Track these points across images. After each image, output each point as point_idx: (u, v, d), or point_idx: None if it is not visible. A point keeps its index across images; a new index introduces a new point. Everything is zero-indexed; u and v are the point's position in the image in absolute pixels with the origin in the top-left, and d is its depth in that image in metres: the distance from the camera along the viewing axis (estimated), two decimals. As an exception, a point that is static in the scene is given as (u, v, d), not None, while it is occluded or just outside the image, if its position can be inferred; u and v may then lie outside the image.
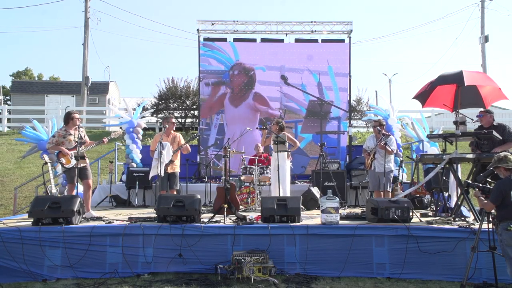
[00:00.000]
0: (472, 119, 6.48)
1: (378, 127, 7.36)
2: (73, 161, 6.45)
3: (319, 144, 9.13)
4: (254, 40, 10.65)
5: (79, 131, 6.62)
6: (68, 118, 6.68)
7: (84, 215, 6.04)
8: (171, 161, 7.34)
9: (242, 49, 10.61)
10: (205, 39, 10.63)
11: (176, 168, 7.56)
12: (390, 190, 7.31)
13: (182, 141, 7.63)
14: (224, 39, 10.66)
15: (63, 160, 6.51)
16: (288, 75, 10.51)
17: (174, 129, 7.74)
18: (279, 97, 10.51)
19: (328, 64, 10.48)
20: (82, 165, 6.58)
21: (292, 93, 10.51)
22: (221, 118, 10.46)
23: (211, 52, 10.58)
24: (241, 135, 8.40)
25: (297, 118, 10.54)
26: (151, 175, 7.20)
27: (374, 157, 7.35)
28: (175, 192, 7.48)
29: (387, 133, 7.51)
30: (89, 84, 20.72)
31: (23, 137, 9.86)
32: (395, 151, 7.51)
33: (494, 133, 5.88)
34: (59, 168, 7.87)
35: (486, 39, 21.48)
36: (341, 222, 5.48)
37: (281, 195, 6.75)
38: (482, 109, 6.50)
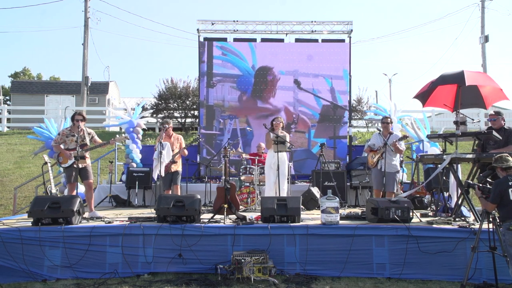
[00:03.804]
0: (472, 119, 6.46)
1: (389, 124, 7.19)
2: (70, 161, 6.49)
3: (320, 147, 9.08)
4: (254, 40, 10.64)
5: (84, 131, 6.65)
6: (72, 119, 6.74)
7: (88, 215, 6.10)
8: (174, 162, 7.54)
9: (260, 53, 10.53)
10: (205, 39, 10.62)
11: (179, 167, 7.82)
12: (395, 191, 7.06)
13: (183, 143, 7.84)
14: (224, 39, 10.65)
15: (60, 158, 6.60)
16: (301, 79, 10.47)
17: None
18: (292, 102, 10.48)
19: (343, 68, 10.45)
20: (82, 165, 6.61)
21: (305, 98, 10.49)
22: (234, 123, 10.45)
23: (227, 56, 10.54)
24: (242, 135, 8.42)
25: (310, 123, 10.53)
26: (154, 176, 7.29)
27: (382, 156, 6.94)
28: (178, 188, 7.66)
29: (392, 132, 7.24)
30: (89, 84, 20.70)
31: (35, 134, 9.95)
32: (404, 150, 7.36)
33: (494, 133, 5.87)
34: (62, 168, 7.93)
35: (486, 39, 21.43)
36: (341, 222, 5.47)
37: (280, 195, 6.73)
38: (492, 112, 6.41)
